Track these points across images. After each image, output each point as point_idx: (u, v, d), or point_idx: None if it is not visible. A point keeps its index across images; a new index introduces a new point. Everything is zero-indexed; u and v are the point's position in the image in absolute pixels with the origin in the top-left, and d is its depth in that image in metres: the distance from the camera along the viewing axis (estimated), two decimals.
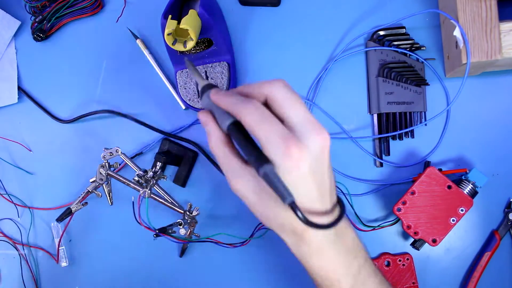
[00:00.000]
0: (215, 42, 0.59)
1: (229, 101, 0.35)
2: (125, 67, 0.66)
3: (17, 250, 0.66)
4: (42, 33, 0.66)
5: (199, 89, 0.46)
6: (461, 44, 0.52)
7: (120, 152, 0.53)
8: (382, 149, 0.60)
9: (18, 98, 0.67)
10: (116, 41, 0.66)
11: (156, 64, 0.64)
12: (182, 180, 0.62)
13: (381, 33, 0.60)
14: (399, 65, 0.59)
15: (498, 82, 0.59)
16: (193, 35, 0.54)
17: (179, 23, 0.54)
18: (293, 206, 0.32)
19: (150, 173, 0.55)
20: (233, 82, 0.61)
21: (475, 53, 0.52)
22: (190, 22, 0.54)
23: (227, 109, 0.35)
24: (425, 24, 0.61)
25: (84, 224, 0.64)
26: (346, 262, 0.38)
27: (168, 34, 0.54)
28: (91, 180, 0.56)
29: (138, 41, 0.64)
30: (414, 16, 0.60)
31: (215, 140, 0.37)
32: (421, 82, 0.59)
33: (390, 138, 0.60)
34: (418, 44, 0.60)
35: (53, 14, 0.65)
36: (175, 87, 0.64)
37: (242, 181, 0.36)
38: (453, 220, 0.53)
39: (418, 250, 0.55)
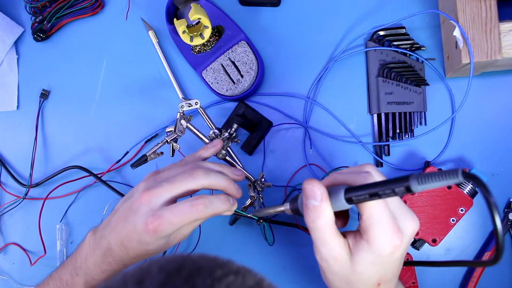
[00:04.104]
0: (225, 27, 0.59)
1: (343, 175, 0.39)
2: (125, 66, 0.66)
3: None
4: (42, 33, 0.66)
5: (291, 207, 0.44)
6: (461, 44, 0.52)
7: (199, 105, 0.50)
8: (382, 150, 0.60)
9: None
10: (117, 40, 0.66)
11: (164, 58, 0.64)
12: (251, 147, 0.60)
13: (381, 33, 0.60)
14: (399, 65, 0.59)
15: (498, 82, 0.59)
16: (207, 22, 0.54)
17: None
18: None
19: (226, 134, 0.53)
20: (258, 57, 0.60)
21: (475, 53, 0.52)
22: (199, 11, 0.54)
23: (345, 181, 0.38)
24: (425, 24, 0.61)
25: (85, 227, 0.64)
26: None
27: (183, 32, 0.54)
28: (167, 130, 0.51)
29: (150, 33, 0.64)
30: (414, 16, 0.60)
31: (326, 220, 0.38)
32: (421, 82, 0.59)
33: (390, 138, 0.60)
34: (418, 44, 0.60)
35: (53, 14, 0.65)
36: (179, 83, 0.64)
37: (330, 250, 0.38)
38: (453, 220, 0.53)
39: (418, 250, 0.55)
